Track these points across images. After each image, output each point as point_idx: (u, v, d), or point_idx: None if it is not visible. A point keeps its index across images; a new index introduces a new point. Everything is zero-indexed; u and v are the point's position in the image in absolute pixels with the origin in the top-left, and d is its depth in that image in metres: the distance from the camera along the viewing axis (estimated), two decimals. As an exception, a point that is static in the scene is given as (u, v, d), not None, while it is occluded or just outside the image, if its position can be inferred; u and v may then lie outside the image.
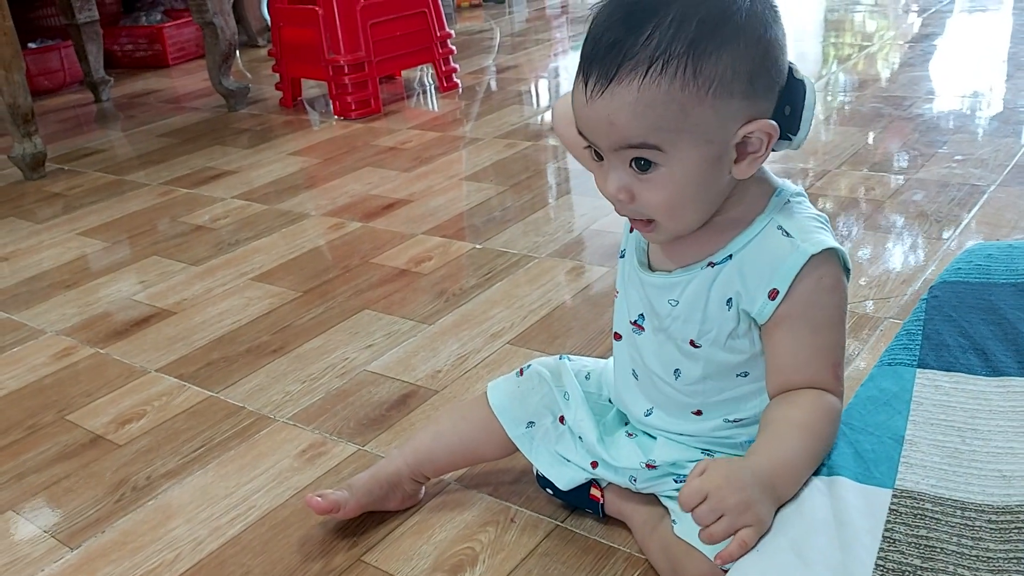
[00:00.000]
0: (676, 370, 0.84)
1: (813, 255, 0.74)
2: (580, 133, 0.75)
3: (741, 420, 0.83)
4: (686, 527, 0.81)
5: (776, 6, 0.73)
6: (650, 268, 0.84)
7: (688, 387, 0.84)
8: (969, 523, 0.64)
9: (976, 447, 0.72)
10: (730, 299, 0.78)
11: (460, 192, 2.02)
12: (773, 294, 0.75)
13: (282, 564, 0.96)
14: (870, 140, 2.05)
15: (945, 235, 1.54)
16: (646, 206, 0.74)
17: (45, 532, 1.05)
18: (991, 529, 0.63)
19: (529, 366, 0.99)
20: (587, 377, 0.97)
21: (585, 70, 0.72)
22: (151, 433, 1.22)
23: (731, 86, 0.70)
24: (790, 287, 0.74)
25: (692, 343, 0.81)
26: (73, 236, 1.98)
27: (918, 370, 0.81)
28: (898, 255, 1.50)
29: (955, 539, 0.63)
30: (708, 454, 0.87)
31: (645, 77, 0.69)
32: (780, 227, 0.76)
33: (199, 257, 1.80)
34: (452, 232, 1.79)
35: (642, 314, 0.85)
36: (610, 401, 0.96)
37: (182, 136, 2.70)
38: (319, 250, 1.78)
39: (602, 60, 0.70)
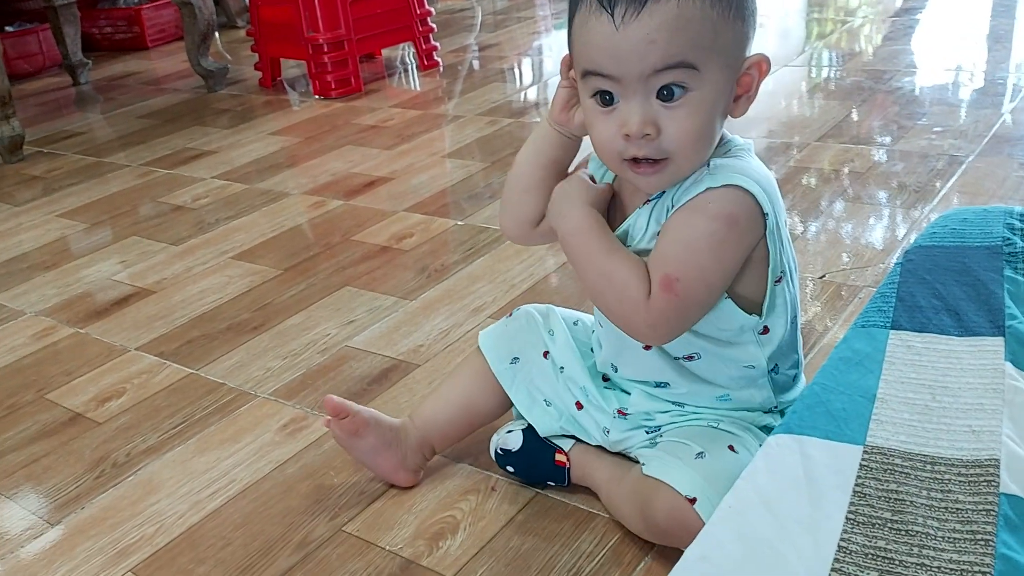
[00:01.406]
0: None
1: (711, 187, 0.77)
2: (588, 74, 0.75)
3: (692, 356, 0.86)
4: (653, 465, 0.83)
5: None
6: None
7: None
8: (939, 476, 0.65)
9: (946, 403, 0.72)
10: (661, 222, 0.81)
11: (442, 169, 2.02)
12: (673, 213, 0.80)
13: (263, 536, 0.96)
14: (852, 114, 2.06)
15: (924, 206, 1.54)
16: (671, 139, 0.75)
17: (25, 509, 1.05)
18: (960, 482, 0.64)
19: (518, 308, 1.02)
20: (575, 323, 1.00)
21: (609, 2, 0.72)
22: (131, 411, 1.22)
23: (744, 10, 0.74)
24: (682, 205, 0.78)
25: None
26: (52, 218, 1.97)
27: (891, 331, 0.81)
28: (878, 226, 1.51)
29: (925, 492, 0.64)
30: (679, 406, 0.88)
31: None
32: (707, 165, 0.79)
33: (179, 237, 1.79)
34: (434, 209, 1.79)
35: None
36: (592, 350, 0.97)
37: (162, 117, 2.68)
38: (300, 228, 1.78)
39: None
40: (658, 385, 0.89)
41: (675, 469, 0.80)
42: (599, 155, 0.81)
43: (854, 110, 2.07)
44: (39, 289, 1.63)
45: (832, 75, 2.39)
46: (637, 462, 0.88)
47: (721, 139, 0.81)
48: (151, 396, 1.25)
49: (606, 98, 0.76)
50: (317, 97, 2.68)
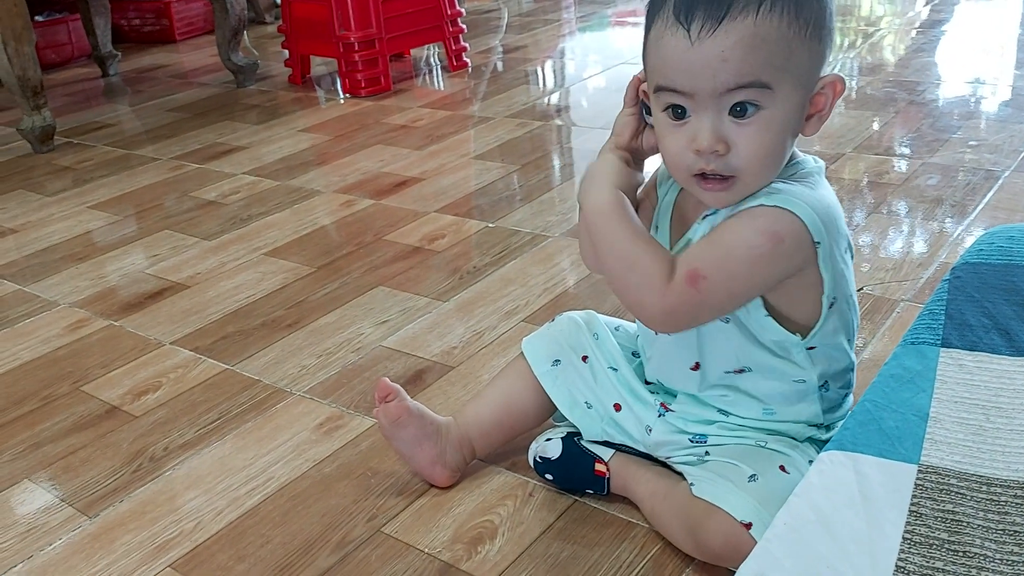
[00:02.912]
0: (697, 362, 0.88)
1: (764, 204, 0.77)
2: (661, 89, 0.76)
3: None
4: (705, 487, 0.82)
5: None
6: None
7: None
8: (995, 498, 0.65)
9: (1000, 424, 0.72)
10: None
11: (471, 171, 2.02)
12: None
13: (302, 535, 0.96)
14: (883, 125, 2.05)
15: (960, 220, 1.54)
16: (741, 156, 0.75)
17: (62, 501, 1.06)
18: (1017, 503, 0.64)
19: (560, 314, 1.03)
20: (616, 329, 1.01)
21: (686, 12, 0.72)
22: (167, 405, 1.23)
23: (821, 30, 0.74)
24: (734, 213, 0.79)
25: (724, 319, 0.84)
26: (83, 209, 1.98)
27: (941, 349, 0.81)
28: (913, 240, 1.50)
29: (981, 513, 0.64)
30: (724, 414, 0.88)
31: (759, 12, 0.71)
32: (769, 185, 0.78)
33: (211, 232, 1.80)
34: (465, 211, 1.79)
35: None
36: (635, 354, 0.98)
37: (191, 111, 2.69)
38: (331, 227, 1.78)
39: (708, 2, 0.71)
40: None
41: (729, 493, 0.80)
42: (669, 169, 0.82)
43: (886, 122, 2.06)
44: (72, 280, 1.64)
45: (861, 86, 2.38)
46: (680, 475, 0.88)
47: (792, 157, 0.81)
48: (187, 391, 1.26)
49: (678, 112, 0.76)
50: (346, 95, 2.69)
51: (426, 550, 0.92)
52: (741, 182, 0.77)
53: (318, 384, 1.24)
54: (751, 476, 0.81)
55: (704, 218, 0.83)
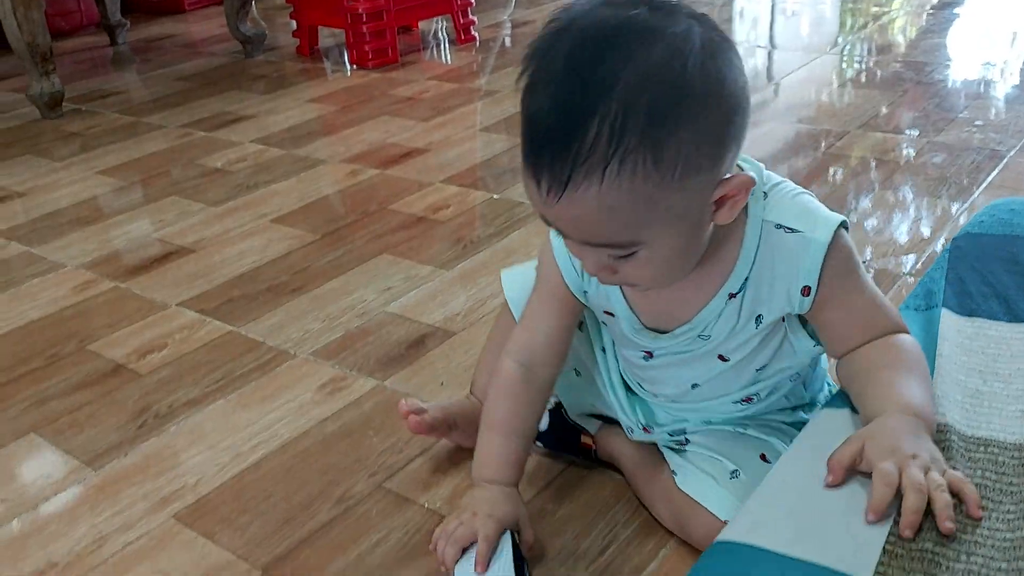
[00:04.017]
0: (694, 384, 0.83)
1: (819, 244, 0.71)
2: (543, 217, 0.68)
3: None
4: (688, 479, 0.82)
5: (725, 38, 0.65)
6: (648, 328, 0.80)
7: (699, 388, 0.84)
8: (992, 458, 0.66)
9: (997, 389, 0.73)
10: (759, 316, 0.75)
11: (476, 143, 2.02)
12: (806, 291, 0.73)
13: (304, 490, 0.97)
14: (890, 104, 2.04)
15: (965, 198, 1.54)
16: (632, 280, 0.71)
17: (68, 454, 1.07)
18: (1014, 464, 0.65)
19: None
20: None
21: (534, 170, 0.64)
22: (172, 364, 1.24)
23: (697, 161, 0.63)
24: (820, 278, 0.72)
25: (721, 357, 0.80)
26: (91, 175, 1.99)
27: (942, 311, 0.82)
28: (917, 216, 1.51)
29: (979, 472, 0.64)
30: (700, 413, 0.87)
31: (603, 182, 0.61)
32: (779, 226, 0.72)
33: (217, 199, 1.80)
34: (469, 182, 1.79)
35: (651, 352, 0.82)
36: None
37: (199, 80, 2.69)
38: (337, 195, 1.79)
39: (551, 165, 0.62)
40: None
41: (711, 490, 0.79)
42: None
43: (892, 101, 2.06)
44: (79, 243, 1.65)
45: (870, 66, 2.37)
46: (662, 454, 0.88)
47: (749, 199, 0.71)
48: (192, 351, 1.27)
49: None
50: (354, 67, 2.68)
51: (426, 505, 0.93)
52: (655, 284, 0.72)
53: (322, 347, 1.25)
54: (732, 472, 0.81)
55: (731, 297, 0.75)
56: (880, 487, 0.60)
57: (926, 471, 0.61)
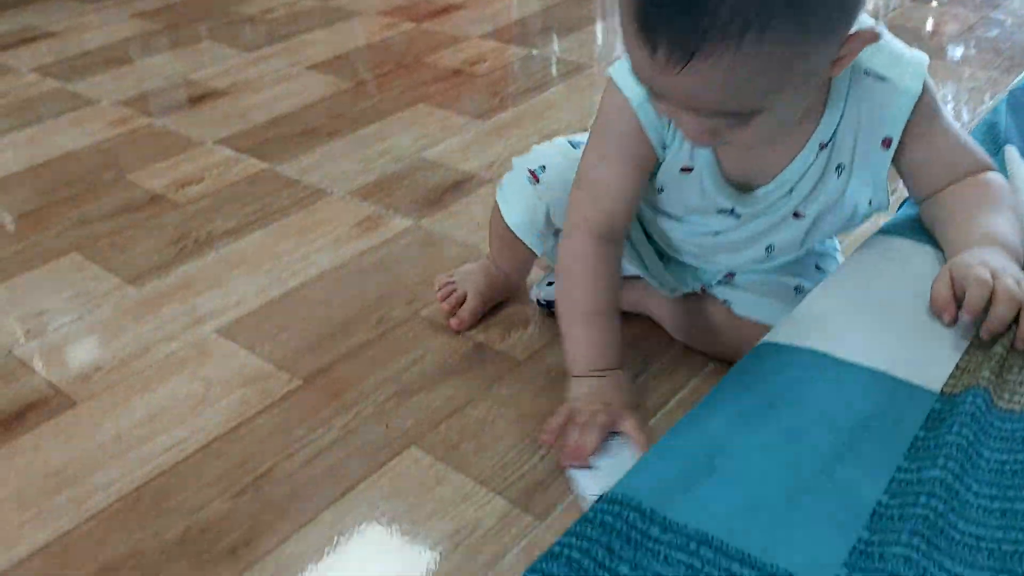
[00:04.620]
0: (768, 247, 0.80)
1: (910, 94, 0.68)
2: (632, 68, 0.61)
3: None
4: (747, 306, 0.83)
5: None
6: (731, 182, 0.75)
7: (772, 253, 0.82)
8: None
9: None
10: (840, 165, 0.73)
11: (514, 0, 1.98)
12: (886, 143, 0.70)
13: (342, 312, 0.99)
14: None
15: (1017, 71, 1.50)
16: (736, 141, 0.66)
17: (110, 272, 1.09)
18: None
19: (544, 169, 0.87)
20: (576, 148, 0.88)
21: (650, 35, 0.56)
22: (210, 196, 1.25)
23: (837, 19, 0.58)
24: (904, 128, 0.69)
25: (796, 214, 0.77)
26: (125, 17, 1.96)
27: (1005, 148, 0.80)
28: (967, 87, 1.47)
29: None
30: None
31: (738, 50, 0.54)
32: (867, 72, 0.69)
33: (251, 45, 1.78)
34: (508, 37, 1.76)
35: (733, 208, 0.77)
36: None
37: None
38: (373, 46, 1.76)
39: (676, 30, 0.54)
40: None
41: (775, 310, 0.79)
42: None
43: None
44: (114, 81, 1.64)
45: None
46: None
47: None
48: (230, 185, 1.27)
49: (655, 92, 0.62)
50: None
51: (462, 332, 0.95)
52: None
53: (358, 188, 1.26)
54: (796, 288, 0.81)
55: (821, 148, 0.71)
56: (975, 289, 0.60)
57: (1018, 284, 0.60)
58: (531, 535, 0.71)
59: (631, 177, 0.75)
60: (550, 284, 0.95)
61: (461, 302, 0.95)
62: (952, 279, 0.62)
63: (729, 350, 0.85)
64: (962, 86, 1.47)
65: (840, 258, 0.88)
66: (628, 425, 0.71)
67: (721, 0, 0.53)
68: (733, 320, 0.84)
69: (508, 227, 0.88)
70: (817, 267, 0.85)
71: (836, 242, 0.90)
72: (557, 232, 0.85)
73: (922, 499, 0.48)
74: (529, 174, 0.87)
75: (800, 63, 0.57)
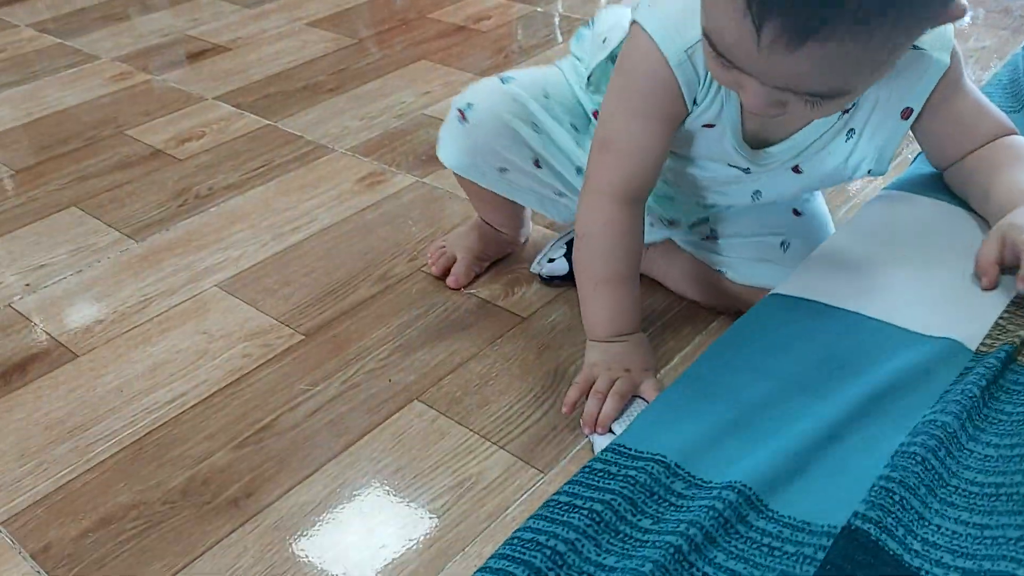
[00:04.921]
0: (755, 192, 0.78)
1: (940, 65, 0.67)
2: (708, 38, 0.59)
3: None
4: (741, 272, 0.83)
5: None
6: (747, 140, 0.73)
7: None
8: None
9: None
10: (852, 130, 0.71)
11: (520, -40, 1.94)
12: (906, 113, 0.69)
13: (345, 267, 0.98)
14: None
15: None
16: (797, 112, 0.61)
17: (110, 226, 1.08)
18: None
19: (471, 106, 0.83)
20: (546, 96, 0.84)
21: (761, 10, 0.53)
22: (211, 152, 1.24)
23: (936, 8, 0.56)
24: (928, 99, 0.68)
25: (795, 169, 0.75)
26: (122, -27, 1.93)
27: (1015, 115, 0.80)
28: (980, 40, 1.45)
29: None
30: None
31: (861, 34, 0.52)
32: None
33: (252, 1, 1.76)
34: (512, -5, 1.73)
35: (748, 168, 0.75)
36: (573, 126, 0.85)
37: None
38: (375, 2, 1.74)
39: (794, 11, 0.52)
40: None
41: (770, 272, 0.79)
42: None
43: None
44: (112, 37, 1.62)
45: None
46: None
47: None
48: (230, 140, 1.26)
49: (725, 60, 0.59)
50: None
51: (464, 289, 0.94)
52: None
53: (360, 144, 1.24)
54: (782, 243, 0.81)
55: (843, 113, 0.70)
56: None
57: None
58: (534, 488, 0.70)
59: (661, 135, 0.72)
60: (551, 261, 0.94)
61: (452, 264, 0.94)
62: (1003, 242, 0.62)
63: (735, 306, 0.85)
64: (970, 46, 1.45)
65: (820, 196, 0.87)
66: (647, 389, 0.72)
67: None
68: (733, 285, 0.84)
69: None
70: (795, 211, 0.84)
71: None
72: (502, 170, 0.84)
73: (930, 441, 0.48)
74: (458, 113, 0.84)
75: (902, 48, 0.56)
